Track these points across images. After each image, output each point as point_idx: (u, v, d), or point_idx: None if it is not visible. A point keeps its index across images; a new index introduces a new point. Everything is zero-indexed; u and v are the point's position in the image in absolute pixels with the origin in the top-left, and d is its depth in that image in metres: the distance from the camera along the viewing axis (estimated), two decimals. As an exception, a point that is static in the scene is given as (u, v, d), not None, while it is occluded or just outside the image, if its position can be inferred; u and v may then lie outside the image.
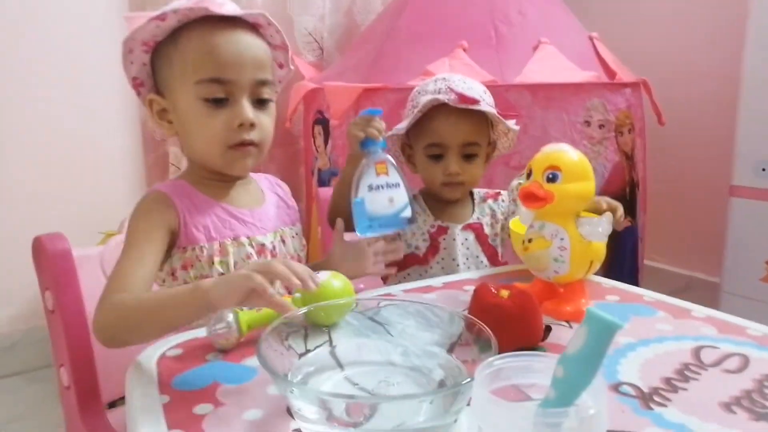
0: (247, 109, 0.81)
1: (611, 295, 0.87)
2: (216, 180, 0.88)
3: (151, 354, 0.68)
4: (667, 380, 0.61)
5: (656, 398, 0.57)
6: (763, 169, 1.68)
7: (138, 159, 2.00)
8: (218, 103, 0.81)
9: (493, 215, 1.12)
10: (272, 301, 0.59)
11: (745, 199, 1.74)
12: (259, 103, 0.84)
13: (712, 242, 1.96)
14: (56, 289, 0.87)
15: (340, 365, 0.59)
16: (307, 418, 0.48)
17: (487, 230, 1.09)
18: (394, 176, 0.91)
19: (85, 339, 0.89)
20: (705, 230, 2.14)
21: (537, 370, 0.47)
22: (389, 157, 0.93)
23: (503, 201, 1.12)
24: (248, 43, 0.82)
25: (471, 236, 1.08)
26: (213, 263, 0.83)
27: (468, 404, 0.44)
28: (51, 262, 0.87)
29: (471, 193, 1.13)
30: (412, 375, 0.58)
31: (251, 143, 0.83)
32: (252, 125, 0.82)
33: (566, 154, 0.77)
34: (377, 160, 0.91)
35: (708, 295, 1.79)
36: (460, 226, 1.08)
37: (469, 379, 0.45)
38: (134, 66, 0.85)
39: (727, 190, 1.79)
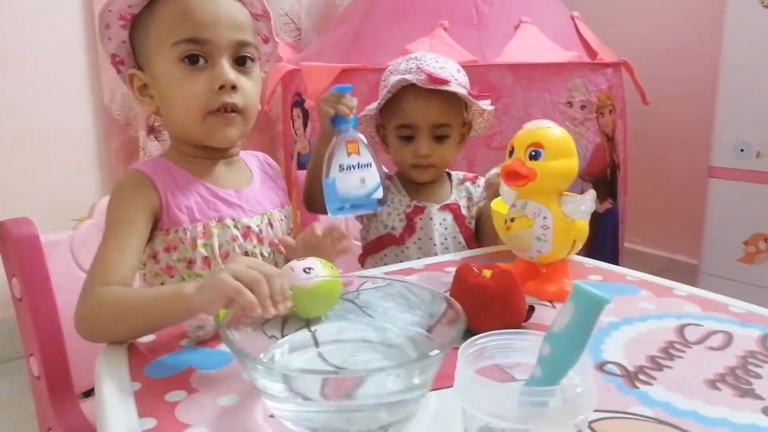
0: (228, 70, 0.78)
1: (594, 275, 0.86)
2: (199, 157, 0.85)
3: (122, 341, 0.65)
4: (652, 358, 0.60)
5: (641, 377, 0.56)
6: (742, 150, 1.69)
7: (103, 145, 1.95)
8: (196, 63, 0.77)
9: (470, 198, 1.10)
10: (253, 309, 0.54)
11: (724, 180, 1.76)
12: (241, 66, 0.80)
13: (692, 224, 1.98)
14: (23, 276, 0.84)
15: (316, 343, 0.59)
16: (274, 397, 0.47)
17: (464, 212, 1.08)
18: (366, 156, 0.88)
19: (55, 327, 0.86)
20: (684, 212, 2.16)
21: (520, 348, 0.45)
22: (361, 136, 0.90)
23: (478, 186, 1.10)
24: (225, 2, 0.79)
25: (449, 217, 1.06)
26: (197, 246, 0.80)
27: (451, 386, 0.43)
28: (17, 247, 0.83)
29: (449, 175, 1.11)
30: (384, 350, 0.58)
31: (234, 109, 0.79)
32: (234, 87, 0.78)
33: (549, 130, 0.76)
34: (348, 139, 0.88)
35: (687, 276, 1.79)
36: (437, 206, 1.06)
37: (437, 352, 0.45)
38: (113, 42, 0.82)
39: (706, 171, 1.80)
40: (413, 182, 1.07)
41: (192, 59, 0.77)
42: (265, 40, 0.90)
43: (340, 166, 0.86)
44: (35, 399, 0.92)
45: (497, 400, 0.38)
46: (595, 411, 0.50)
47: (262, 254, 0.85)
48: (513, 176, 0.75)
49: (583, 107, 1.69)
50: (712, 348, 0.62)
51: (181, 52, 0.77)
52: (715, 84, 1.75)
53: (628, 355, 0.61)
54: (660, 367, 0.58)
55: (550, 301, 0.75)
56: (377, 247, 1.06)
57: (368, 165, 0.88)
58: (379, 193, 0.89)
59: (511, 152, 0.78)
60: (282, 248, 0.86)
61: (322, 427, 0.47)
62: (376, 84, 1.78)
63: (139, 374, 0.58)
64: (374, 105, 1.03)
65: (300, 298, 0.62)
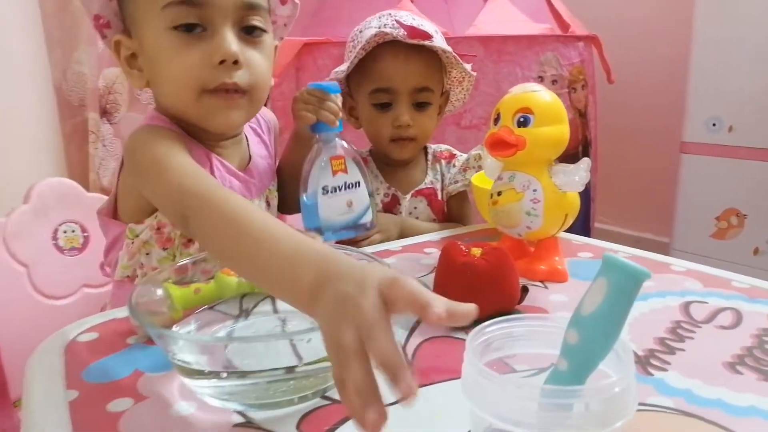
0: (230, 41, 0.63)
1: (584, 252, 0.80)
2: (203, 139, 0.72)
3: (57, 340, 0.56)
4: (661, 341, 0.54)
5: (654, 362, 0.50)
6: (714, 125, 1.66)
7: (53, 127, 1.80)
8: (192, 31, 0.63)
9: (443, 180, 0.99)
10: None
11: (696, 156, 1.73)
12: (249, 35, 0.66)
13: (662, 201, 1.96)
14: (-55, 269, 0.73)
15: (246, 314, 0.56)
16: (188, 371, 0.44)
17: (440, 195, 0.98)
18: (354, 173, 0.75)
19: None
20: (655, 190, 2.14)
21: (517, 336, 0.39)
22: (347, 146, 0.77)
23: (453, 167, 0.99)
24: None
25: (422, 203, 0.96)
26: None
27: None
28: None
29: (425, 150, 1.02)
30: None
31: (236, 89, 0.65)
32: (236, 63, 0.64)
33: (538, 94, 0.69)
34: (333, 155, 0.75)
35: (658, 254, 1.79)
36: (408, 196, 0.96)
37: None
38: (95, 1, 0.67)
39: (678, 146, 1.78)
40: (387, 164, 0.96)
41: (187, 27, 0.63)
42: (283, 1, 0.76)
43: (323, 189, 0.74)
44: (-33, 408, 0.82)
45: (513, 401, 0.31)
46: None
47: None
48: (500, 145, 0.68)
49: (554, 82, 1.64)
50: (722, 327, 0.57)
51: (173, 17, 0.62)
52: (687, 58, 1.72)
53: (635, 339, 0.55)
54: (672, 350, 0.52)
55: (542, 282, 0.69)
56: (354, 243, 0.95)
57: (356, 184, 0.77)
58: (368, 216, 0.78)
59: (497, 119, 0.71)
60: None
61: (235, 399, 0.45)
62: (340, 59, 1.70)
63: (77, 380, 0.49)
64: (342, 67, 0.88)
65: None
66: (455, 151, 1.02)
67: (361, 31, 0.89)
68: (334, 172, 0.75)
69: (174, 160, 0.60)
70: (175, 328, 0.52)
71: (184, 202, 0.54)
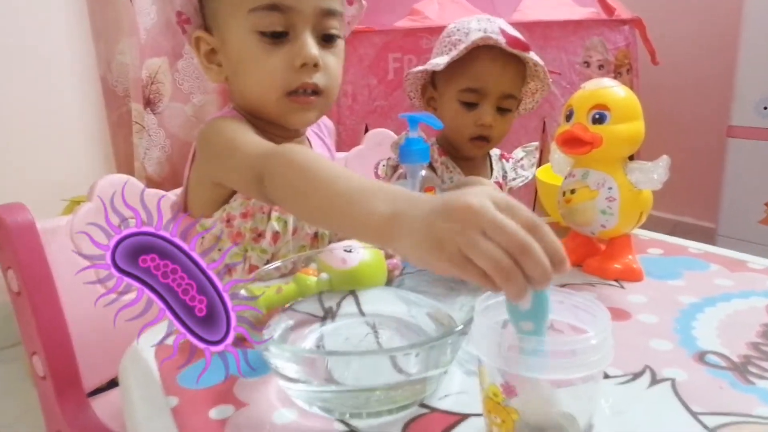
0: (311, 45, 0.67)
1: (653, 248, 0.79)
2: (271, 133, 0.74)
3: (146, 343, 0.57)
4: (755, 346, 0.53)
5: (752, 369, 0.50)
6: (765, 108, 1.62)
7: (100, 117, 1.82)
8: (276, 38, 0.66)
9: (504, 177, 1.01)
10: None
11: (743, 140, 1.69)
12: (325, 40, 0.69)
13: (708, 186, 1.92)
14: (21, 268, 0.75)
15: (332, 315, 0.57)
16: (287, 377, 0.45)
17: (505, 190, 0.99)
18: None
19: (60, 323, 0.78)
20: (700, 174, 2.09)
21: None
22: (431, 174, 0.74)
23: (507, 163, 1.01)
24: None
25: None
26: (270, 218, 0.73)
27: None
28: (11, 237, 0.74)
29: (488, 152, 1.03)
30: (405, 331, 0.55)
31: (315, 90, 0.69)
32: (316, 65, 0.68)
33: (613, 90, 0.68)
34: (425, 186, 0.72)
35: (703, 240, 1.76)
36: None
37: (457, 329, 0.43)
38: None
39: (725, 131, 1.73)
40: (458, 156, 0.97)
41: (273, 33, 0.66)
42: (350, 2, 0.78)
43: None
44: (41, 399, 0.84)
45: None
46: (715, 414, 0.43)
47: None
48: (574, 143, 0.67)
49: (600, 67, 1.60)
50: (815, 330, 0.56)
51: (260, 21, 0.66)
52: (736, 38, 1.67)
53: (726, 343, 0.54)
54: None
55: (617, 280, 0.68)
56: None
57: None
58: None
59: (569, 116, 0.70)
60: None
61: (336, 408, 0.45)
62: (383, 47, 1.69)
63: (174, 385, 0.50)
64: (442, 60, 0.88)
65: (341, 281, 0.58)
66: (510, 155, 1.03)
67: (458, 29, 0.89)
68: None
69: (247, 137, 0.64)
70: (265, 331, 0.52)
71: (258, 164, 0.57)
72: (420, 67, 0.88)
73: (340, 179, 0.47)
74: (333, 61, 0.70)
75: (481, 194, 0.37)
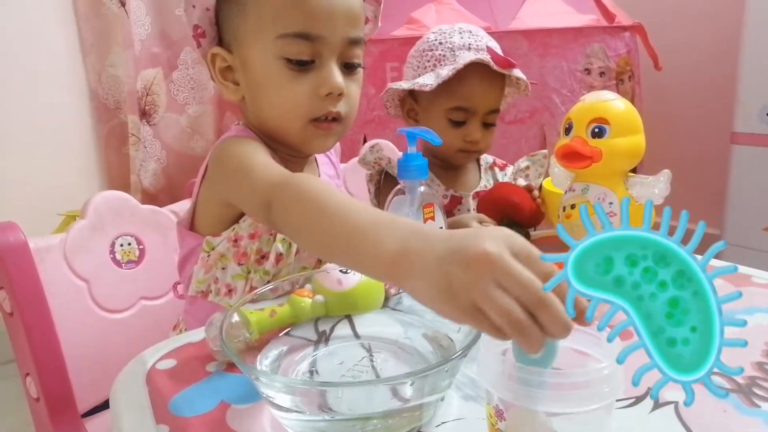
0: (337, 75, 0.67)
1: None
2: (285, 154, 0.74)
3: (137, 368, 0.56)
4: (760, 366, 0.52)
5: (757, 391, 0.48)
6: (768, 114, 1.60)
7: (89, 131, 1.81)
8: (302, 65, 0.66)
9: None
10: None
11: (747, 146, 1.67)
12: (347, 67, 0.70)
13: (712, 193, 1.90)
14: (13, 289, 0.74)
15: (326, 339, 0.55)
16: (280, 407, 0.43)
17: None
18: (440, 218, 0.72)
19: (53, 344, 0.77)
20: (704, 181, 2.07)
21: None
22: (430, 190, 0.72)
23: (506, 175, 1.01)
24: None
25: None
26: (275, 239, 0.72)
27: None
28: (4, 257, 0.73)
29: (477, 158, 1.02)
30: (404, 355, 0.53)
31: (336, 118, 0.69)
32: (341, 95, 0.68)
33: (612, 103, 0.67)
34: (424, 202, 0.70)
35: (707, 247, 1.74)
36: (471, 194, 0.96)
37: (454, 356, 0.41)
38: (197, 11, 0.69)
39: (729, 137, 1.72)
40: (445, 168, 0.96)
41: (299, 62, 0.66)
42: (366, 21, 0.78)
43: None
44: (35, 421, 0.83)
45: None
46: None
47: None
48: (574, 157, 0.66)
49: (602, 74, 1.59)
50: (822, 349, 0.54)
51: (288, 48, 0.65)
52: (738, 45, 1.65)
53: (730, 363, 0.52)
54: (774, 378, 0.50)
55: (618, 297, 0.67)
56: None
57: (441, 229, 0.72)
58: None
59: (568, 129, 0.68)
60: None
61: None
62: (380, 56, 1.67)
63: (164, 413, 0.48)
64: (427, 80, 0.86)
65: (337, 302, 0.56)
66: (504, 161, 1.03)
67: (440, 43, 0.88)
68: (425, 220, 0.71)
69: (260, 158, 0.64)
70: (259, 358, 0.51)
71: (268, 191, 0.57)
72: (405, 85, 0.88)
73: (345, 212, 0.46)
74: (354, 88, 0.71)
75: (498, 239, 0.35)
